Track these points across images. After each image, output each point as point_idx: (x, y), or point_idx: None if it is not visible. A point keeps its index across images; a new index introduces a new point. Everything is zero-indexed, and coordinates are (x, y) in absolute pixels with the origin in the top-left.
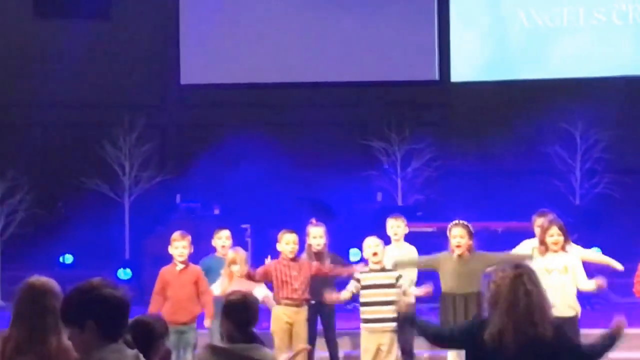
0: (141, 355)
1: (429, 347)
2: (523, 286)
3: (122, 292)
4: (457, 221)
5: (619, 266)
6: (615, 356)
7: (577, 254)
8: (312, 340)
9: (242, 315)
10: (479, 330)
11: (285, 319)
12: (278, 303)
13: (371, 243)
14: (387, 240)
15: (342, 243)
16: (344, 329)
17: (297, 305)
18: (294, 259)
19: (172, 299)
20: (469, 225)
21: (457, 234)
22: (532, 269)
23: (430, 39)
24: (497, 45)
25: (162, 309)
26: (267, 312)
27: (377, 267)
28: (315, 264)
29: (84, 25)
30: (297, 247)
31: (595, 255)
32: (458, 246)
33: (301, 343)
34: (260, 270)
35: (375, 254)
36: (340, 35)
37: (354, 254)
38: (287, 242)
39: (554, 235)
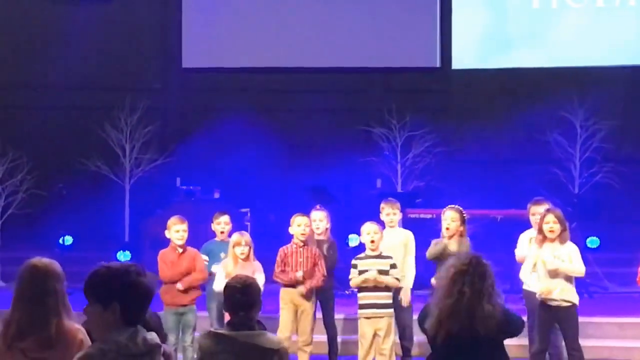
0: (156, 338)
1: None
2: (461, 285)
3: (149, 280)
4: (451, 205)
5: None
6: (617, 344)
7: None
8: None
9: (240, 300)
10: (424, 318)
11: (290, 298)
12: (284, 285)
13: (370, 229)
14: (381, 225)
15: (342, 228)
16: (343, 314)
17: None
18: (304, 245)
19: (171, 281)
20: (463, 210)
21: (449, 217)
22: (482, 262)
23: (431, 26)
24: (499, 32)
25: (162, 290)
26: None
27: (374, 253)
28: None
29: (87, 8)
30: (308, 230)
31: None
32: (447, 229)
33: (306, 325)
34: (279, 265)
35: (372, 241)
36: (342, 21)
37: (352, 239)
38: (298, 224)
39: (550, 222)
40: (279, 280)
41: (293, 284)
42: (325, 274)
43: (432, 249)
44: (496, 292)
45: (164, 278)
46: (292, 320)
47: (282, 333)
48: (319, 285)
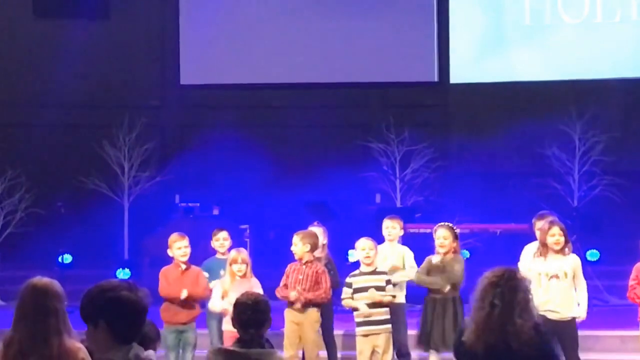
0: (152, 355)
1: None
2: (492, 297)
3: (139, 296)
4: (442, 223)
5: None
6: (618, 358)
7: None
8: None
9: (251, 317)
10: (461, 332)
11: (292, 318)
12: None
13: (364, 245)
14: (381, 240)
15: (341, 244)
16: (343, 330)
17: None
18: (307, 262)
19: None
20: (454, 227)
21: (441, 235)
22: (514, 275)
23: (429, 40)
24: (496, 46)
25: (162, 308)
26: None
27: (369, 269)
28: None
29: (84, 25)
30: (297, 247)
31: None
32: (442, 246)
33: (309, 344)
34: (283, 281)
35: (367, 257)
36: (339, 36)
37: (352, 254)
38: (294, 243)
39: (555, 235)
40: (279, 297)
41: (292, 302)
42: (329, 290)
43: (421, 278)
44: (529, 308)
45: (163, 295)
46: (295, 339)
47: (287, 351)
48: (317, 300)
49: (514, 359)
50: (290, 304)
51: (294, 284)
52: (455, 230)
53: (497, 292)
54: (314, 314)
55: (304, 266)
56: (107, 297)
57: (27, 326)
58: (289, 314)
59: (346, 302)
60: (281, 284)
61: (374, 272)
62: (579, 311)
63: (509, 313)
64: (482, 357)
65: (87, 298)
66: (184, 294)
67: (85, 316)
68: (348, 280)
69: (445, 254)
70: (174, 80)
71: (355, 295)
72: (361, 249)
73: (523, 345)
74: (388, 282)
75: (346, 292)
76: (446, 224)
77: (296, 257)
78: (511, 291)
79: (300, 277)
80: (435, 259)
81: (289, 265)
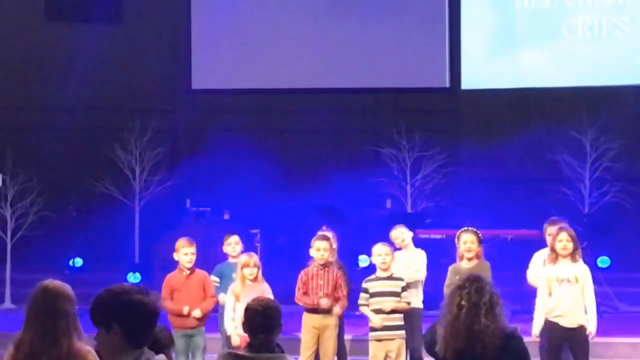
0: None
1: None
2: (459, 299)
3: (151, 300)
4: (466, 228)
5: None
6: None
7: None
8: None
9: (261, 323)
10: (432, 341)
11: (312, 323)
12: (306, 309)
13: (381, 251)
14: (395, 247)
15: (351, 249)
16: (353, 335)
17: (323, 313)
18: (324, 266)
19: (180, 304)
20: (478, 231)
21: (468, 240)
22: (480, 279)
23: (441, 46)
24: (508, 52)
25: (169, 315)
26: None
27: (385, 274)
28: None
29: (96, 29)
30: (327, 253)
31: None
32: (469, 251)
33: (329, 350)
34: (300, 289)
35: (384, 262)
36: (351, 42)
37: (362, 260)
38: (317, 248)
39: (563, 240)
40: (301, 304)
41: (315, 308)
42: (346, 294)
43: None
44: (495, 310)
45: (165, 308)
46: (313, 345)
47: (304, 355)
48: (345, 307)
49: None
50: (312, 310)
51: (315, 289)
52: (480, 235)
53: (464, 294)
54: (335, 319)
55: (322, 271)
56: (121, 301)
57: (37, 327)
58: (309, 319)
59: (363, 309)
60: (299, 291)
61: (390, 278)
62: (589, 326)
63: (476, 312)
64: None
65: (99, 301)
66: (197, 315)
67: (96, 320)
68: (364, 285)
69: (470, 259)
70: (186, 85)
71: (372, 300)
72: (377, 255)
73: (488, 349)
74: (404, 288)
75: (363, 297)
76: (470, 228)
77: (322, 262)
78: (477, 291)
79: (321, 282)
80: (464, 265)
81: (303, 272)
